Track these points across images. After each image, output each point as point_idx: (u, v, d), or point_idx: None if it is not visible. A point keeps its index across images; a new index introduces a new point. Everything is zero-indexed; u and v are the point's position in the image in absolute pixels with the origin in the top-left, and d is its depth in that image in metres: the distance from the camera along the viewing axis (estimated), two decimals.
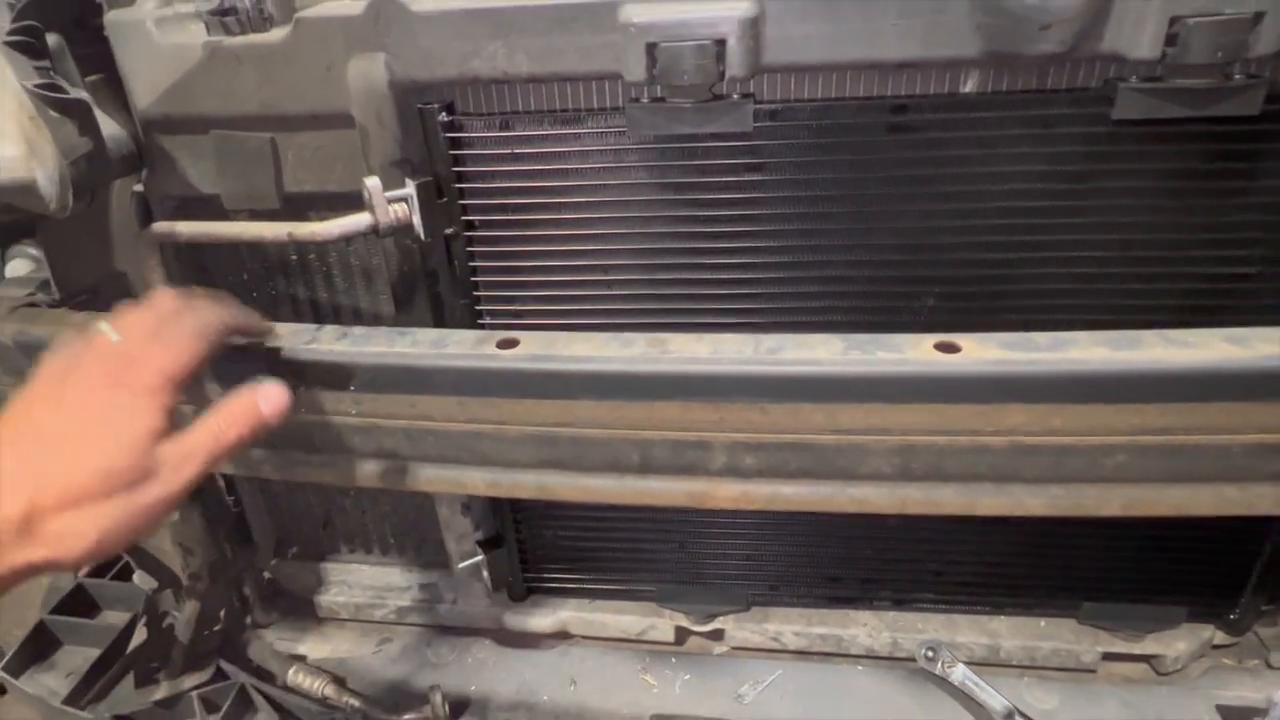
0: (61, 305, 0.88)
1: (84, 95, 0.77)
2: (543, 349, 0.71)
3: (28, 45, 0.75)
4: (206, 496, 0.99)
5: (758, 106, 0.77)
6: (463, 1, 0.76)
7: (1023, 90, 0.75)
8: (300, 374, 0.73)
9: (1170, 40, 0.68)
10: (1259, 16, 0.66)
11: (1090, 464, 0.67)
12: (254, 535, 1.14)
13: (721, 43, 0.72)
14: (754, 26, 0.72)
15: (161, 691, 0.99)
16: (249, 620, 1.15)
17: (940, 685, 1.01)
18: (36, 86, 0.72)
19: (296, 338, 0.75)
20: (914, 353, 0.66)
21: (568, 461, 0.74)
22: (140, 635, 1.02)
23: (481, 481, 0.78)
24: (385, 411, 0.74)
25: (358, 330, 0.77)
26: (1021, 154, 0.78)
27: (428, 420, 0.74)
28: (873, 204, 0.82)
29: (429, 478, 0.79)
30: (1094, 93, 0.74)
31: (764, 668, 1.05)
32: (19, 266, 1.14)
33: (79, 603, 1.14)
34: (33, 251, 1.15)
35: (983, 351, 0.66)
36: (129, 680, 1.00)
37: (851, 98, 0.78)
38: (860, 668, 1.05)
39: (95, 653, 1.06)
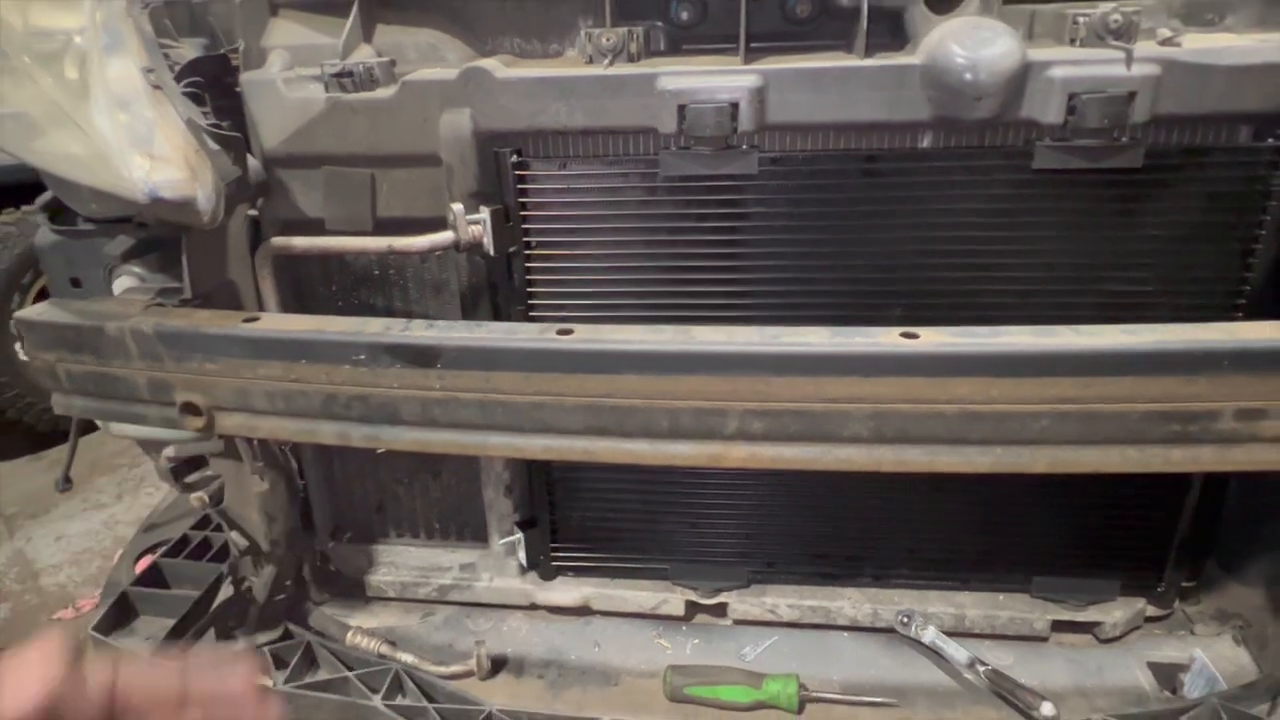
0: (190, 303, 1.07)
1: (239, 134, 0.98)
2: (593, 334, 0.90)
3: (195, 95, 0.97)
4: (288, 474, 1.16)
5: (761, 154, 0.99)
6: (534, 71, 0.99)
7: (965, 146, 0.98)
8: (394, 355, 0.92)
9: (1070, 110, 0.91)
10: (1132, 95, 0.89)
11: (1022, 427, 0.86)
12: (314, 518, 1.30)
13: (735, 105, 0.94)
14: (760, 94, 0.94)
15: (239, 647, 1.13)
16: (308, 596, 1.30)
17: (914, 647, 1.17)
18: (209, 125, 0.93)
19: (392, 327, 0.95)
20: (883, 338, 0.86)
21: (611, 427, 0.92)
22: (223, 595, 1.17)
23: (540, 447, 0.96)
24: (464, 386, 0.93)
25: (441, 322, 0.96)
26: (966, 195, 1.00)
27: (498, 393, 0.92)
28: (851, 232, 1.03)
29: (496, 444, 0.96)
30: (1018, 149, 0.96)
31: (763, 634, 1.21)
32: (125, 282, 1.32)
33: (155, 579, 1.29)
34: (136, 270, 1.33)
35: (936, 338, 0.86)
36: (209, 635, 1.15)
37: (834, 150, 1.00)
38: (846, 635, 1.21)
39: (169, 621, 1.20)
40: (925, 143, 0.99)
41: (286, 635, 1.18)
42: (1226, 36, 0.95)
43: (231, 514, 1.13)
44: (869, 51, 0.96)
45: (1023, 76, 0.91)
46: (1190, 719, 0.99)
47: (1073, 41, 0.94)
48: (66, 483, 1.76)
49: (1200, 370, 0.83)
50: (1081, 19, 0.94)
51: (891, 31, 0.98)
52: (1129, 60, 0.89)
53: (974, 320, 0.99)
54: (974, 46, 0.89)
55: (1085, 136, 0.92)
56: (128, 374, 1.02)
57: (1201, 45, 0.92)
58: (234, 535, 1.12)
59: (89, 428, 3.49)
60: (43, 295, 2.95)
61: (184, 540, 1.36)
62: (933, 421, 0.87)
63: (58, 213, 1.28)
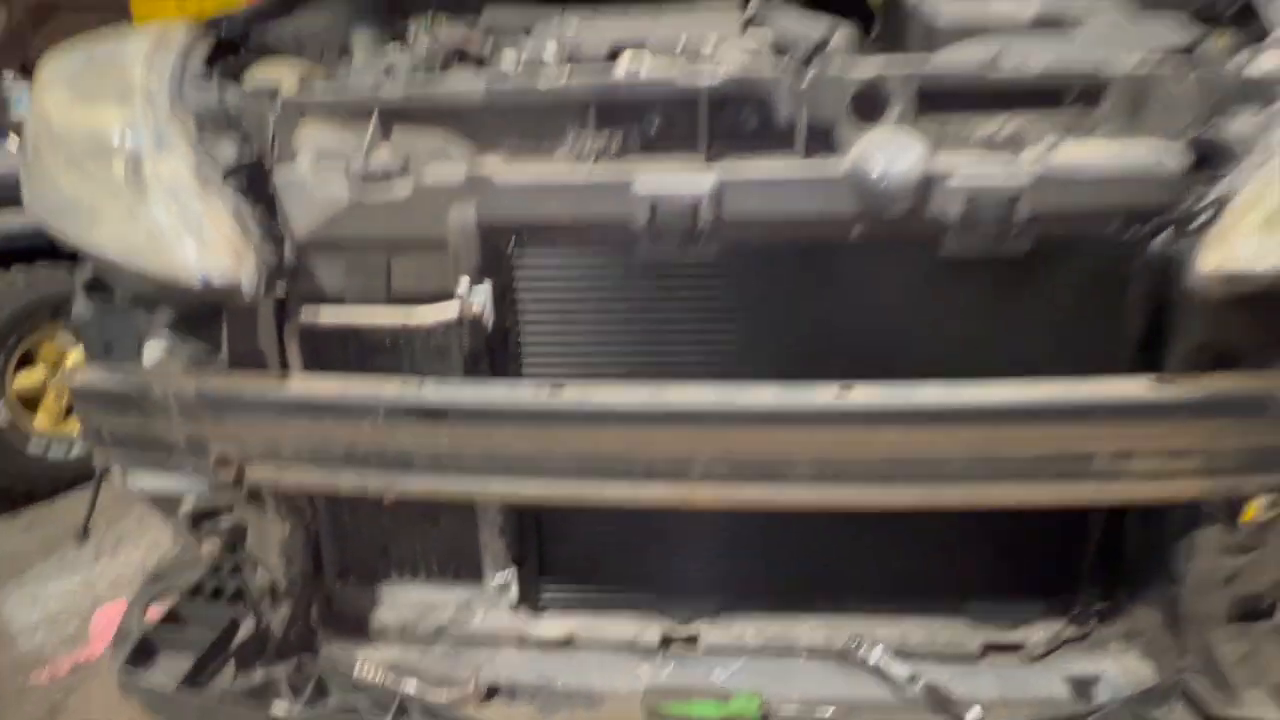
0: (232, 369, 1.22)
1: (277, 226, 1.15)
2: (581, 392, 1.07)
3: (238, 191, 1.14)
4: (305, 519, 1.29)
5: (720, 243, 1.18)
6: (529, 177, 1.18)
7: (887, 236, 1.18)
8: (410, 412, 1.08)
9: (968, 207, 1.12)
10: (1017, 198, 1.10)
11: (938, 468, 1.04)
12: (324, 562, 1.42)
13: (696, 204, 1.14)
14: (717, 195, 1.14)
15: (257, 677, 1.25)
16: (317, 634, 1.41)
17: (862, 667, 1.32)
18: (257, 220, 1.10)
19: (406, 388, 1.11)
20: (821, 395, 1.04)
21: (595, 472, 1.08)
22: (244, 631, 1.29)
23: (533, 490, 1.12)
24: (469, 438, 1.09)
25: (450, 381, 1.13)
26: (890, 276, 1.20)
27: (499, 443, 1.08)
28: (796, 307, 1.22)
29: (496, 488, 1.12)
30: (930, 239, 1.16)
31: (731, 660, 1.36)
32: (155, 350, 1.46)
33: (174, 619, 1.40)
34: (167, 337, 1.48)
35: (866, 394, 1.04)
36: (229, 668, 1.26)
37: (780, 239, 1.20)
38: (804, 658, 1.36)
39: (189, 659, 1.31)
40: (855, 233, 1.19)
41: (300, 667, 1.30)
42: (1096, 145, 1.17)
43: (254, 556, 1.26)
44: (806, 157, 1.17)
45: (929, 182, 1.11)
46: None
47: (972, 151, 1.16)
48: (85, 534, 1.86)
49: (1080, 420, 1.02)
50: (978, 133, 1.16)
51: (825, 138, 1.18)
52: (1014, 168, 1.11)
53: (900, 380, 1.17)
54: (888, 158, 1.10)
55: (981, 229, 1.13)
56: (168, 431, 1.17)
57: (1074, 154, 1.14)
58: (257, 575, 1.25)
59: (68, 489, 3.52)
60: (26, 358, 3.05)
61: (199, 586, 1.48)
62: (864, 464, 1.05)
63: (95, 287, 1.44)
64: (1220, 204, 1.02)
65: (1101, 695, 1.25)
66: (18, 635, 2.42)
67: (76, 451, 3.15)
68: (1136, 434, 1.02)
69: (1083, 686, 1.29)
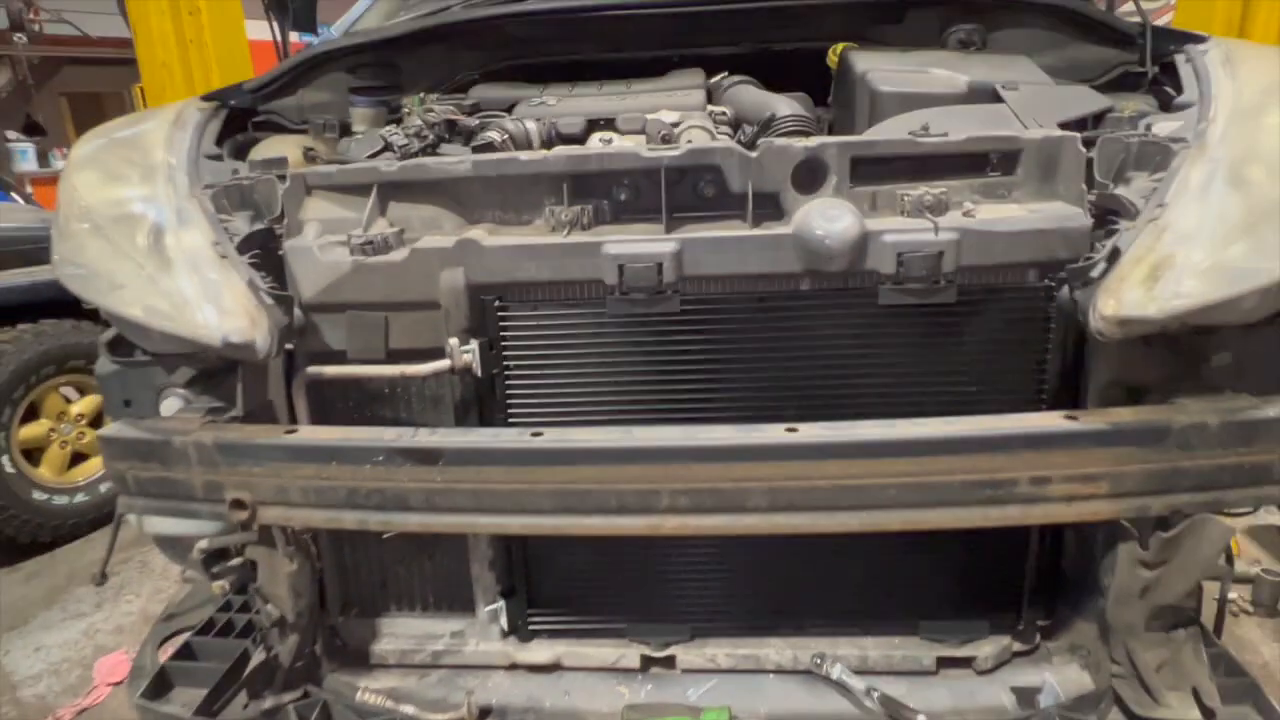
0: (245, 421, 1.35)
1: (288, 294, 1.29)
2: (559, 436, 1.20)
3: (255, 264, 1.29)
4: (311, 557, 1.41)
5: (682, 298, 1.32)
6: (511, 239, 1.33)
7: (830, 289, 1.33)
8: (407, 456, 1.21)
9: (900, 264, 1.26)
10: (941, 253, 1.25)
11: (877, 495, 1.17)
12: (327, 597, 1.54)
13: (660, 264, 1.28)
14: (678, 255, 1.29)
15: (267, 704, 1.35)
16: (320, 665, 1.52)
17: (825, 683, 1.43)
18: (269, 286, 1.24)
19: (403, 435, 1.24)
20: (772, 433, 1.18)
21: (574, 507, 1.21)
22: (254, 662, 1.39)
23: (519, 524, 1.24)
24: (459, 478, 1.21)
25: (441, 429, 1.26)
26: (833, 324, 1.34)
27: (487, 483, 1.21)
28: (751, 354, 1.36)
29: (484, 523, 1.24)
30: (867, 290, 1.31)
31: (705, 680, 1.47)
32: (172, 404, 1.59)
33: (187, 654, 1.51)
34: (182, 392, 1.60)
35: (812, 431, 1.18)
36: (242, 696, 1.36)
37: (735, 292, 1.34)
38: (771, 676, 1.47)
39: (202, 691, 1.42)
40: (802, 286, 1.33)
41: (305, 695, 1.40)
42: (1010, 208, 1.33)
43: (264, 591, 1.37)
44: (756, 222, 1.32)
45: (863, 241, 1.26)
46: None
47: (902, 213, 1.31)
48: (103, 578, 1.95)
49: (1001, 449, 1.15)
50: (907, 197, 1.31)
51: (773, 206, 1.34)
52: (937, 229, 1.26)
53: (846, 418, 1.31)
54: (826, 222, 1.25)
55: (912, 282, 1.27)
56: (186, 478, 1.29)
57: (990, 216, 1.29)
58: (267, 609, 1.36)
59: (69, 539, 3.56)
60: (32, 410, 3.16)
61: (210, 622, 1.59)
62: (812, 493, 1.17)
63: (116, 346, 1.57)
64: (1114, 256, 1.17)
65: (1044, 703, 1.36)
66: (20, 684, 2.47)
67: (79, 499, 3.25)
68: (1052, 462, 1.15)
69: (1027, 696, 1.40)
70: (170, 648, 1.60)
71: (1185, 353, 1.27)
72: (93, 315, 3.25)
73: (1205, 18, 2.72)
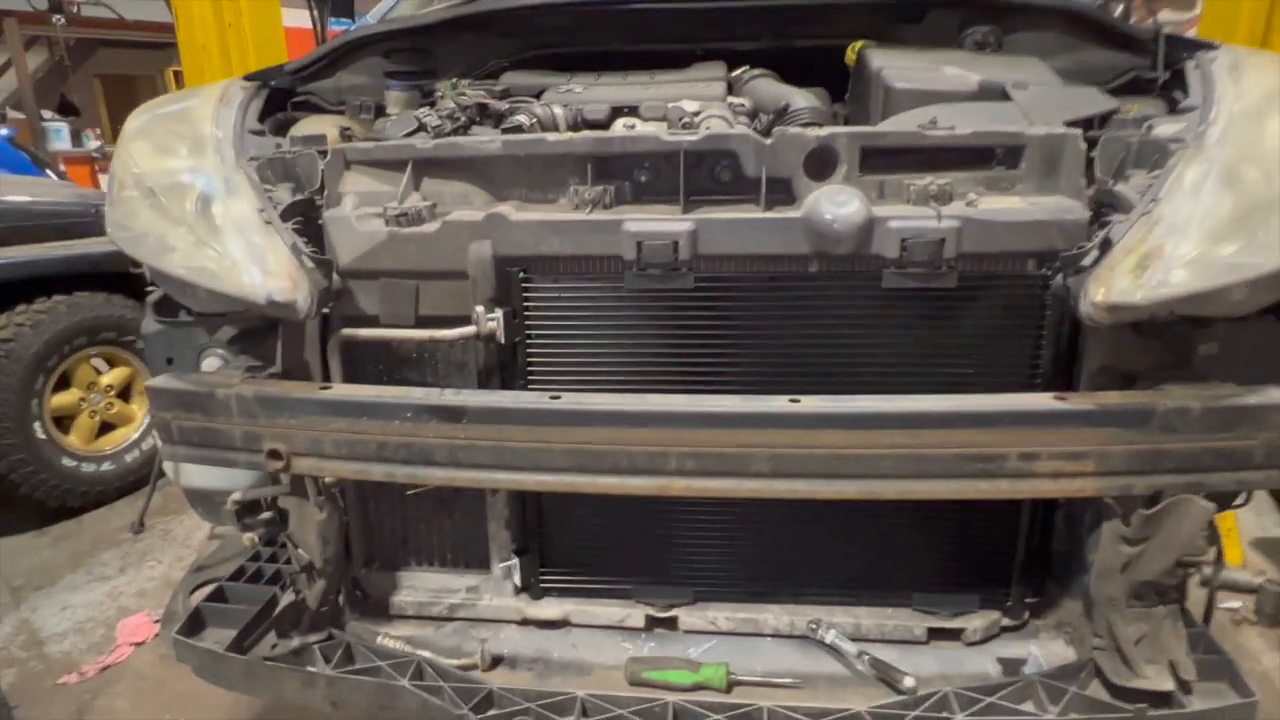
0: (282, 377, 1.44)
1: (326, 258, 1.38)
2: (575, 400, 1.28)
3: (296, 231, 1.38)
4: (339, 508, 1.50)
5: (696, 275, 1.40)
6: (537, 215, 1.41)
7: (837, 271, 1.40)
8: (433, 414, 1.29)
9: (903, 249, 1.33)
10: (943, 241, 1.32)
11: (873, 465, 1.24)
12: (351, 550, 1.63)
13: (677, 242, 1.36)
14: (694, 235, 1.36)
15: (294, 644, 1.44)
16: (344, 613, 1.61)
17: (820, 647, 1.51)
18: (310, 252, 1.33)
19: (430, 394, 1.32)
20: (776, 404, 1.25)
21: (588, 466, 1.28)
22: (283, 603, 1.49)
23: (535, 481, 1.32)
24: (482, 436, 1.29)
25: (466, 390, 1.34)
26: (840, 305, 1.41)
27: (507, 440, 1.29)
28: (761, 330, 1.44)
29: (503, 479, 1.33)
30: (872, 273, 1.38)
31: (705, 640, 1.54)
32: (213, 362, 1.69)
33: (220, 598, 1.60)
34: (221, 352, 1.70)
35: (813, 403, 1.25)
36: (270, 637, 1.46)
37: (748, 272, 1.42)
38: (769, 639, 1.55)
39: (233, 633, 1.51)
40: (810, 268, 1.41)
41: (330, 638, 1.49)
42: (1012, 200, 1.39)
43: (295, 538, 1.46)
44: (768, 205, 1.39)
45: (870, 227, 1.33)
46: (1013, 691, 1.32)
47: (908, 201, 1.38)
48: (140, 526, 2.05)
49: (992, 425, 1.22)
50: (913, 186, 1.38)
51: (785, 191, 1.41)
52: (939, 217, 1.33)
53: (848, 393, 1.37)
54: (835, 207, 1.32)
55: (915, 266, 1.34)
56: (228, 428, 1.38)
57: (991, 206, 1.36)
58: (298, 553, 1.45)
59: (96, 505, 3.70)
60: (63, 380, 3.28)
61: (241, 570, 1.68)
62: (812, 461, 1.24)
63: (162, 307, 1.67)
64: (1106, 246, 1.23)
65: (1028, 672, 1.43)
66: (47, 641, 2.60)
67: (106, 467, 3.37)
68: (1040, 439, 1.21)
69: (1012, 665, 1.47)
70: (205, 594, 1.70)
71: (1174, 342, 1.33)
72: (124, 288, 3.37)
73: (1229, 28, 2.75)
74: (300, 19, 2.50)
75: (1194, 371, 1.32)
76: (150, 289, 1.67)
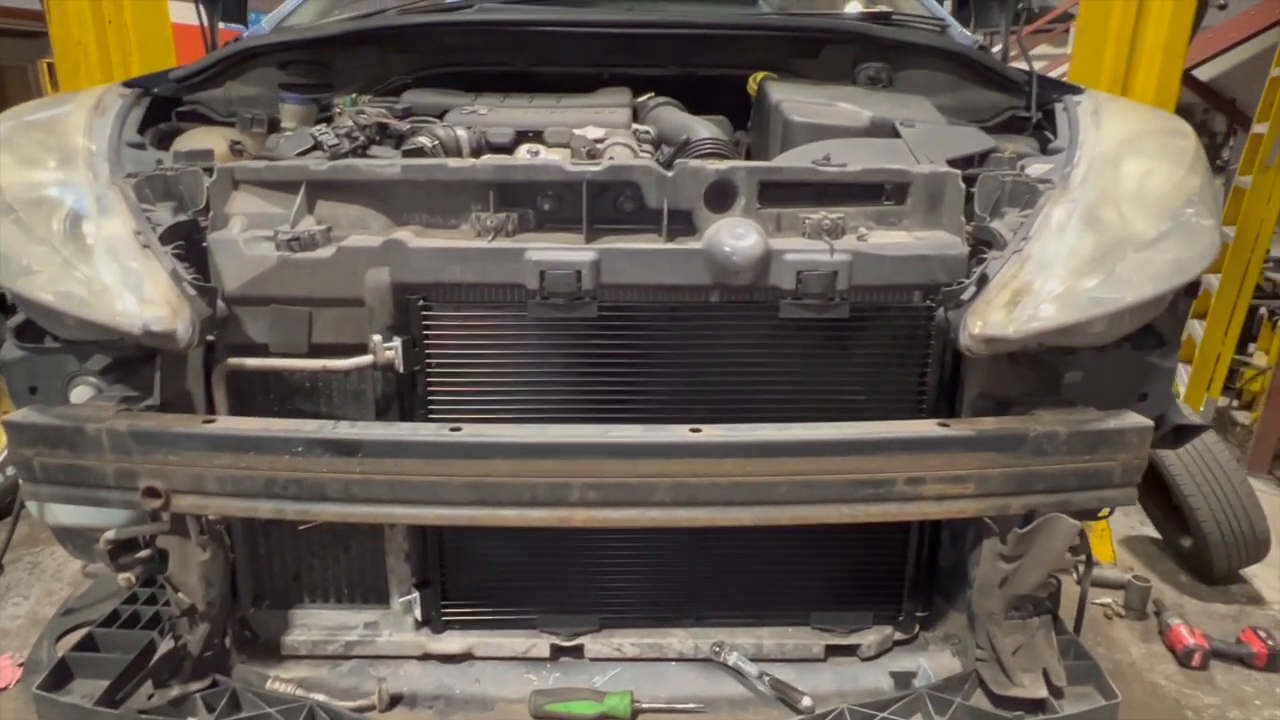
0: (161, 410, 1.35)
1: (212, 286, 1.31)
2: (475, 431, 1.27)
3: (178, 255, 1.30)
4: (224, 546, 1.42)
5: (599, 304, 1.40)
6: (437, 241, 1.39)
7: (736, 301, 1.43)
8: (326, 448, 1.25)
9: (799, 281, 1.38)
10: (835, 274, 1.37)
11: (770, 492, 1.27)
12: (239, 588, 1.54)
13: (580, 271, 1.36)
14: (596, 265, 1.37)
15: (174, 693, 1.36)
16: (230, 656, 1.52)
17: (723, 670, 1.53)
18: (191, 278, 1.26)
19: (323, 427, 1.27)
20: (677, 433, 1.27)
21: (488, 499, 1.27)
22: (162, 651, 1.39)
23: (435, 515, 1.29)
24: (378, 470, 1.26)
25: (362, 423, 1.30)
26: (739, 334, 1.45)
27: (405, 474, 1.26)
28: (662, 359, 1.46)
29: (401, 514, 1.29)
30: (770, 304, 1.42)
31: (611, 667, 1.54)
32: (83, 392, 1.57)
33: (89, 645, 1.49)
34: (93, 380, 1.58)
35: (713, 432, 1.27)
36: (147, 686, 1.36)
37: (649, 302, 1.43)
38: (674, 664, 1.56)
39: (104, 683, 1.40)
40: (711, 298, 1.43)
41: (214, 684, 1.41)
42: (899, 235, 1.46)
43: (174, 580, 1.37)
44: (670, 236, 1.41)
45: (767, 259, 1.37)
46: (904, 705, 1.38)
47: (803, 234, 1.43)
48: None
49: (881, 452, 1.27)
50: (808, 220, 1.43)
51: (686, 222, 1.43)
52: (832, 250, 1.38)
53: (749, 420, 1.41)
54: (735, 239, 1.36)
55: (810, 298, 1.39)
56: (98, 465, 1.29)
57: (880, 240, 1.42)
58: (177, 598, 1.36)
59: None
60: None
61: (114, 614, 1.57)
62: (712, 489, 1.27)
63: (24, 332, 1.54)
64: (982, 282, 1.31)
65: (917, 685, 1.49)
66: None
67: None
68: (925, 464, 1.28)
69: (903, 679, 1.53)
70: (72, 642, 1.57)
71: (1044, 370, 1.43)
72: None
73: (1095, 70, 2.99)
74: (190, 14, 2.36)
75: (1062, 397, 1.43)
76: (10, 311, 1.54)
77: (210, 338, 1.41)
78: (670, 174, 1.40)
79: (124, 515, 1.46)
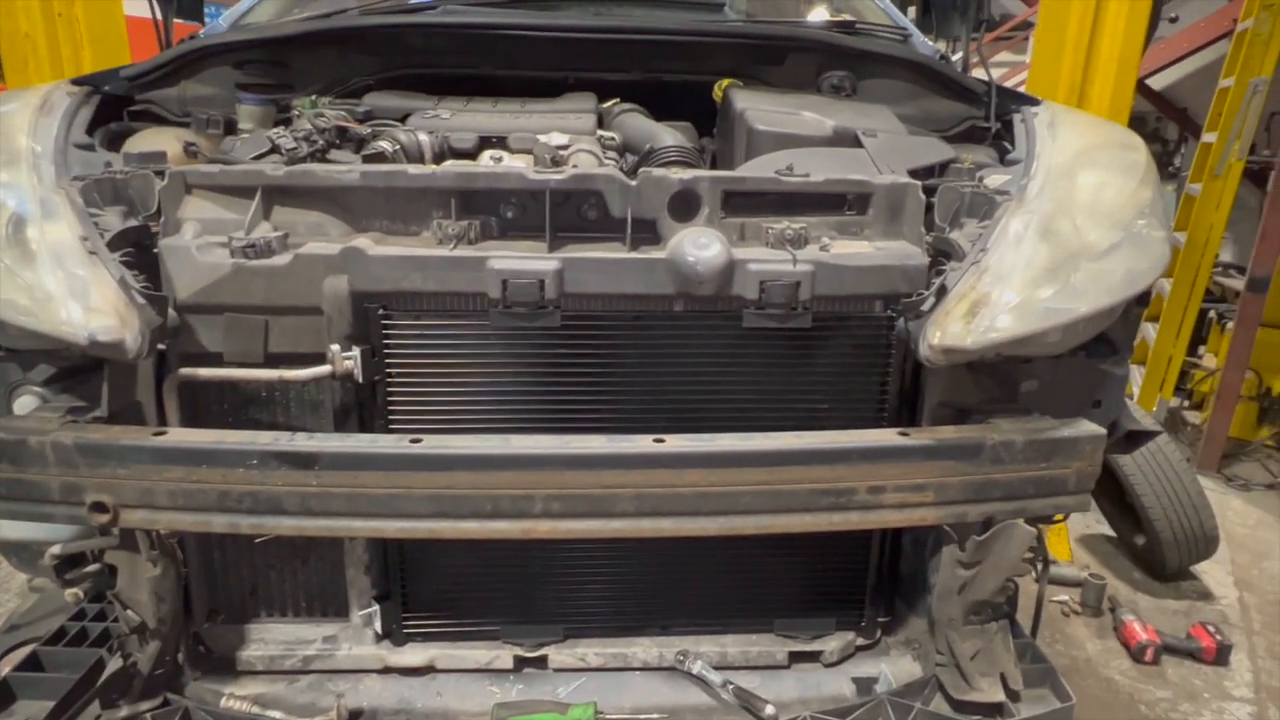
0: (109, 421, 1.31)
1: (162, 294, 1.27)
2: (436, 443, 1.25)
3: (127, 261, 1.26)
4: (176, 561, 1.38)
5: (562, 313, 1.39)
6: (398, 249, 1.36)
7: (699, 311, 1.43)
8: (282, 460, 1.22)
9: (761, 291, 1.38)
10: (798, 284, 1.38)
11: (734, 502, 1.27)
12: (192, 603, 1.50)
13: (543, 280, 1.35)
14: (559, 274, 1.36)
15: (123, 714, 1.31)
16: (183, 673, 1.48)
17: (688, 679, 1.53)
18: (141, 285, 1.22)
19: (280, 439, 1.25)
20: (640, 444, 1.26)
21: (450, 511, 1.25)
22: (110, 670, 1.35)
23: (395, 528, 1.27)
24: (336, 482, 1.23)
25: (320, 434, 1.27)
26: (702, 343, 1.45)
27: (364, 487, 1.23)
28: (626, 368, 1.45)
29: (360, 527, 1.27)
30: (733, 313, 1.42)
31: (575, 678, 1.53)
32: (27, 402, 1.51)
33: (34, 665, 1.44)
34: (38, 390, 1.53)
35: (676, 443, 1.27)
36: (94, 707, 1.32)
37: (613, 311, 1.43)
38: (639, 673, 1.56)
39: (49, 704, 1.36)
40: (675, 308, 1.43)
41: (165, 703, 1.37)
42: (861, 245, 1.48)
43: (123, 597, 1.33)
44: (634, 245, 1.41)
45: (731, 269, 1.38)
46: (865, 711, 1.40)
47: (766, 244, 1.44)
48: None
49: (843, 461, 1.28)
50: (771, 230, 1.43)
51: (650, 231, 1.43)
52: (795, 261, 1.39)
53: (712, 430, 1.40)
54: (698, 249, 1.36)
55: (773, 308, 1.40)
56: (42, 480, 1.25)
57: (842, 250, 1.44)
58: (126, 615, 1.32)
59: None
60: None
61: (61, 632, 1.52)
62: (675, 500, 1.26)
63: None
64: (941, 293, 1.33)
65: (880, 690, 1.51)
66: None
67: None
68: (886, 473, 1.29)
69: (865, 685, 1.55)
70: (14, 661, 1.52)
71: (1002, 379, 1.45)
72: None
73: (1053, 79, 3.05)
74: (145, 7, 2.29)
75: (1018, 405, 1.45)
76: None
77: (161, 347, 1.37)
78: (634, 183, 1.39)
79: (71, 529, 1.41)
